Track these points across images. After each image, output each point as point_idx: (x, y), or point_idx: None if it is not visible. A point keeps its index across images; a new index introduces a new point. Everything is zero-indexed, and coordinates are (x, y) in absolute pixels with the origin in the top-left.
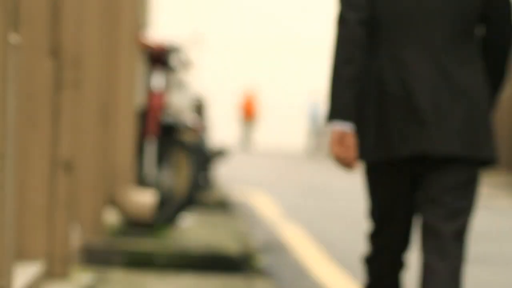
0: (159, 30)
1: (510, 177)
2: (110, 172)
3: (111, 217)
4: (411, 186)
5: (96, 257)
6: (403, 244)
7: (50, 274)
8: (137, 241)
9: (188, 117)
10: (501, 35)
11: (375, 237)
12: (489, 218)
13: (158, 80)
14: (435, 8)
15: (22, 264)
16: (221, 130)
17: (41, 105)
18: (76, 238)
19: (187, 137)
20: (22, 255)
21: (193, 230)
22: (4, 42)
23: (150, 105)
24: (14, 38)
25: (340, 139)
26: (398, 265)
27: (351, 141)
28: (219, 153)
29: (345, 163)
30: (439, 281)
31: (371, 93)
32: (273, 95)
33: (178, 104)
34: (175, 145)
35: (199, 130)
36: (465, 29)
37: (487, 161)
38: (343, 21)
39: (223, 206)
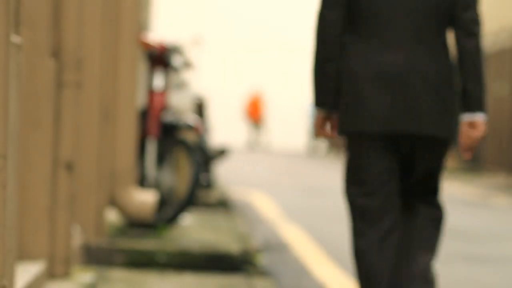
0: (160, 31)
1: (510, 179)
2: (111, 172)
3: (112, 217)
4: (391, 155)
5: (97, 257)
6: (390, 218)
7: (51, 273)
8: (138, 241)
9: (189, 117)
10: (465, 35)
11: (360, 207)
12: (489, 218)
13: (159, 80)
14: (408, 5)
15: (23, 264)
16: (224, 131)
17: (42, 105)
18: (77, 238)
19: (188, 137)
20: (24, 255)
21: (194, 229)
22: (5, 42)
23: (151, 105)
24: (15, 38)
25: (323, 121)
26: (389, 243)
27: (334, 122)
28: (220, 153)
29: (328, 138)
30: (416, 255)
31: (352, 78)
32: (274, 96)
33: (179, 104)
34: (176, 145)
35: (200, 130)
36: (435, 25)
37: (450, 139)
38: (323, 20)
39: (223, 205)
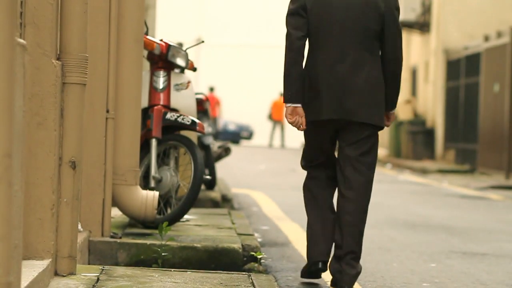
0: (162, 32)
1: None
2: (115, 171)
3: (116, 216)
4: (332, 136)
5: (101, 254)
6: (327, 170)
7: (56, 271)
8: (141, 239)
9: (191, 116)
10: (388, 54)
11: (309, 167)
12: (485, 214)
13: (161, 80)
14: (347, 26)
15: (28, 261)
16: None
17: (47, 105)
18: (81, 236)
19: (190, 136)
20: (29, 252)
21: (196, 227)
22: (11, 43)
23: (153, 105)
24: (20, 40)
25: (292, 112)
26: (331, 192)
27: (301, 113)
28: (222, 152)
29: (297, 126)
30: (351, 213)
31: (311, 79)
32: (276, 97)
33: (181, 104)
34: (178, 144)
35: (203, 129)
36: (368, 39)
37: (378, 126)
38: (290, 36)
39: (225, 204)
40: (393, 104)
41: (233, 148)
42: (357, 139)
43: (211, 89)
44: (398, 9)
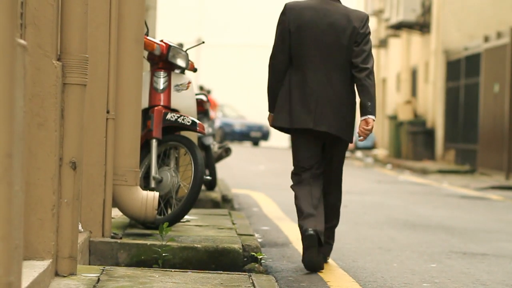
0: (162, 32)
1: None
2: (115, 172)
3: (117, 216)
4: (317, 146)
5: (102, 255)
6: (314, 175)
7: (57, 271)
8: (142, 239)
9: (191, 117)
10: (359, 69)
11: (296, 170)
12: (485, 215)
13: (161, 80)
14: (323, 49)
15: (29, 261)
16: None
17: (48, 105)
18: (82, 236)
19: (191, 137)
20: (29, 252)
21: (196, 228)
22: (11, 44)
23: (154, 105)
24: (21, 40)
25: (272, 118)
26: (319, 186)
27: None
28: (222, 152)
29: (275, 128)
30: (331, 197)
31: (290, 94)
32: None
33: (182, 104)
34: (178, 144)
35: (203, 130)
36: (341, 62)
37: (347, 140)
38: (274, 57)
39: (226, 204)
40: (368, 110)
41: (245, 149)
42: (330, 152)
43: (208, 92)
44: (367, 29)
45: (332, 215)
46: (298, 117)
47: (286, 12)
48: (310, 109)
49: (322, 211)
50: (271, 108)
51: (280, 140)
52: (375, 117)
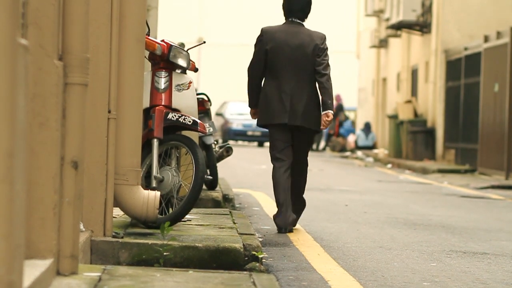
0: (164, 32)
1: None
2: (116, 171)
3: (118, 215)
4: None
5: (103, 254)
6: (287, 162)
7: (58, 270)
8: (143, 239)
9: (192, 117)
10: (321, 75)
11: (275, 159)
12: (485, 213)
13: (163, 80)
14: (294, 63)
15: (31, 261)
16: None
17: (49, 105)
18: (83, 235)
19: (192, 136)
20: (31, 251)
21: (197, 227)
22: (13, 44)
23: (155, 105)
24: (22, 40)
25: (254, 113)
26: (289, 175)
27: (258, 114)
28: (224, 152)
29: (259, 126)
30: (298, 183)
31: (267, 96)
32: None
33: (183, 104)
34: (179, 144)
35: (204, 129)
36: (308, 72)
37: (315, 131)
38: (253, 67)
39: (227, 203)
40: (328, 106)
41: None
42: (298, 141)
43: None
44: (325, 45)
45: (299, 193)
46: (277, 115)
47: (263, 34)
48: (286, 109)
49: (290, 190)
50: (252, 104)
51: None
52: (333, 111)
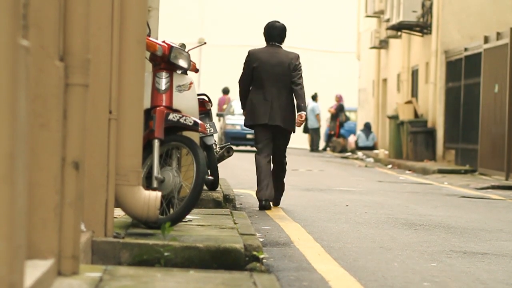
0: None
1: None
2: (117, 172)
3: (119, 216)
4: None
5: (104, 254)
6: (268, 154)
7: (59, 271)
8: (144, 239)
9: (193, 117)
10: (295, 84)
11: (258, 150)
12: (485, 214)
13: (163, 81)
14: (275, 76)
15: (32, 261)
16: None
17: (50, 106)
18: (84, 236)
19: (193, 137)
20: (32, 252)
21: (198, 227)
22: (14, 45)
23: (156, 106)
24: (24, 41)
25: (245, 114)
26: (268, 161)
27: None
28: (224, 152)
29: (246, 127)
30: (278, 174)
31: (253, 102)
32: None
33: (184, 104)
34: (180, 144)
35: (205, 130)
36: (286, 83)
37: (291, 131)
38: (243, 81)
39: (227, 204)
40: (301, 108)
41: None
42: (278, 140)
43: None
44: (299, 62)
45: (279, 181)
46: (260, 117)
47: (250, 55)
48: (266, 112)
49: (271, 178)
50: (243, 108)
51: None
52: (306, 113)
